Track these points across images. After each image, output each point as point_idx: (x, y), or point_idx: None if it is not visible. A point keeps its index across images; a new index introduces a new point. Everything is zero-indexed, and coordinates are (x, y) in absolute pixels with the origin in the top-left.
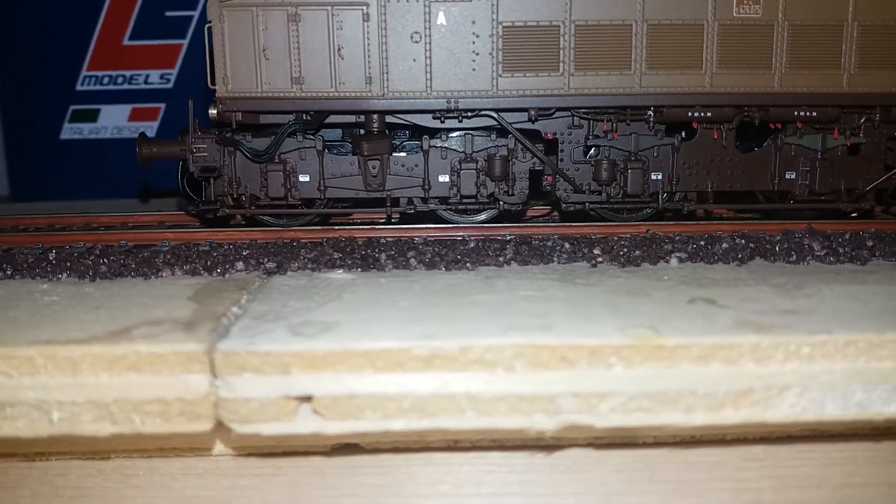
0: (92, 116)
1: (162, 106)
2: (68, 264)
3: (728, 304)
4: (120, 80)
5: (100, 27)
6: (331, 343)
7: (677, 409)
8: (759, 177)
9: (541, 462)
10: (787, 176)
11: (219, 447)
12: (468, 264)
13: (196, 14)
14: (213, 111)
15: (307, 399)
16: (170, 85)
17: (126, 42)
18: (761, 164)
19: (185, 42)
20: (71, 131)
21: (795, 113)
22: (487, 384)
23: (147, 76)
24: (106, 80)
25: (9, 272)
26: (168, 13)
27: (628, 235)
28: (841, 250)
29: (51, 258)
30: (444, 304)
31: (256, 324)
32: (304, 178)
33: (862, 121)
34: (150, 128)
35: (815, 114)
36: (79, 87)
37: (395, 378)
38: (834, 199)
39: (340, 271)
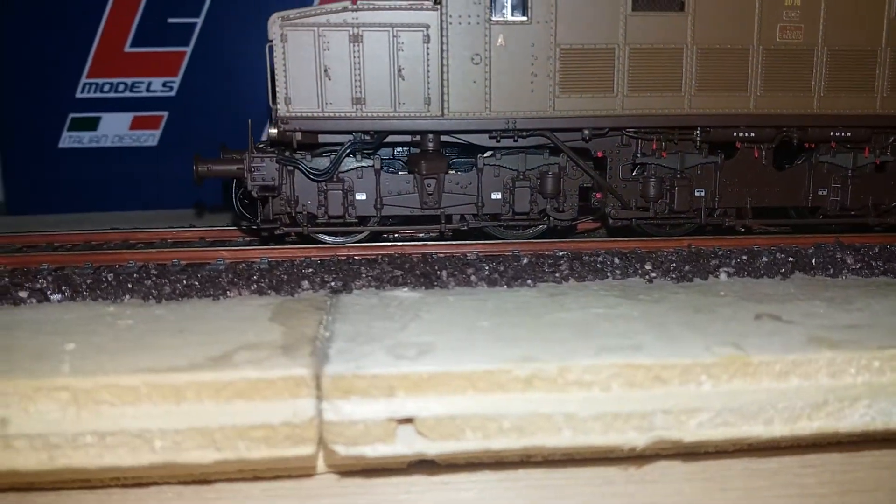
0: (92, 125)
1: (165, 114)
2: (129, 285)
3: (792, 319)
4: (121, 87)
5: (100, 33)
6: (433, 366)
7: (758, 422)
8: (793, 193)
9: (617, 474)
10: (820, 192)
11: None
12: (528, 281)
13: (199, 21)
14: (272, 130)
15: (408, 420)
16: (172, 93)
17: (127, 49)
18: (796, 181)
19: (189, 49)
20: (70, 140)
21: (831, 133)
22: (584, 403)
23: (149, 84)
24: (107, 87)
25: (67, 293)
26: (171, 20)
27: (672, 250)
28: (874, 263)
29: (109, 279)
30: (524, 324)
31: (352, 346)
32: (360, 197)
33: (891, 140)
34: (153, 136)
35: (849, 134)
36: (79, 95)
37: (496, 398)
38: (862, 214)
39: (406, 289)
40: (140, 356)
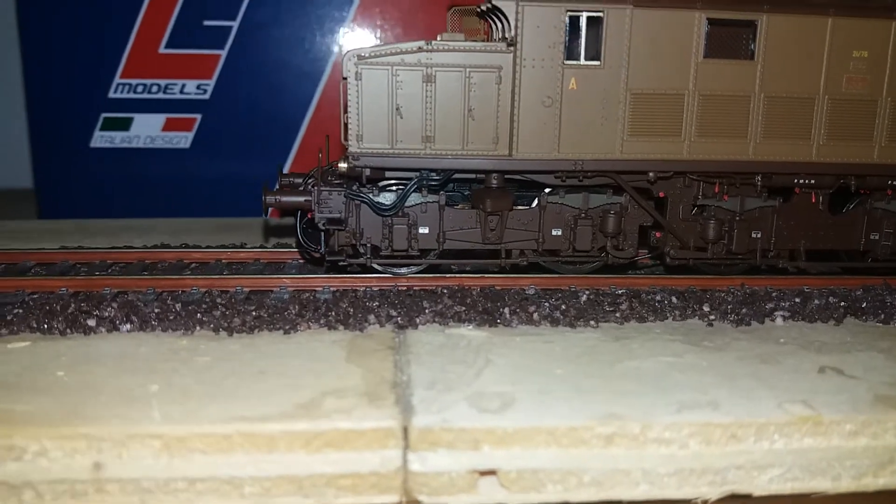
0: (124, 125)
1: (198, 117)
2: (199, 315)
3: (854, 374)
4: (154, 88)
5: (135, 34)
6: (517, 420)
7: (826, 478)
8: (847, 237)
9: None
10: (871, 236)
11: None
12: (591, 322)
13: (235, 25)
14: (343, 165)
15: (491, 472)
16: (206, 96)
17: (162, 50)
18: (851, 225)
19: (224, 53)
20: (102, 139)
21: (890, 182)
22: (662, 459)
23: (183, 86)
24: (140, 88)
25: (136, 323)
26: (206, 22)
27: (726, 289)
28: None
29: (177, 308)
30: (598, 374)
31: (433, 395)
32: (423, 231)
33: None
34: (185, 138)
35: None
36: (111, 95)
37: (577, 453)
38: None
39: (470, 326)
40: (227, 402)
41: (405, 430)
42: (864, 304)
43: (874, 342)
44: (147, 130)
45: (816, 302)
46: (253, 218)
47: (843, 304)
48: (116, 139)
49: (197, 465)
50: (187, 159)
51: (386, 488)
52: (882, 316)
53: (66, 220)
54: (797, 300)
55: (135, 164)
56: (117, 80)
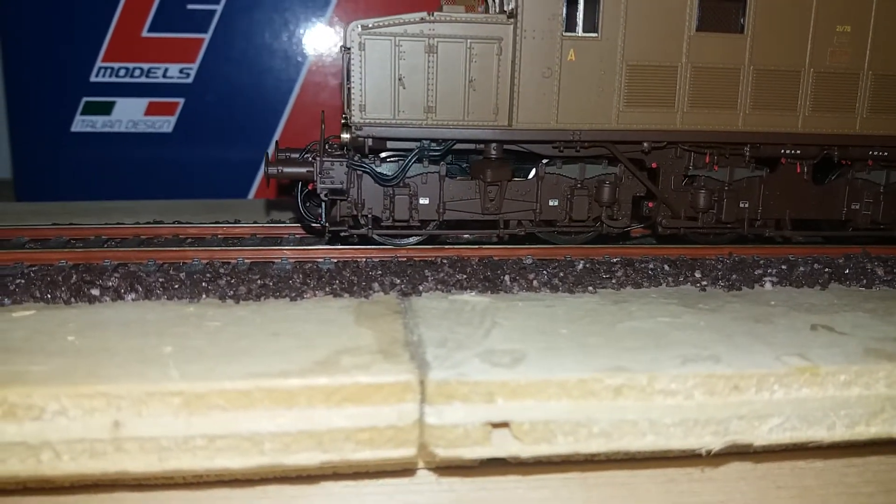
0: (106, 109)
1: (181, 101)
2: (204, 285)
3: (844, 330)
4: (137, 72)
5: (118, 17)
6: (531, 374)
7: (822, 427)
8: (830, 207)
9: (679, 474)
10: (853, 206)
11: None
12: (590, 287)
13: (219, 8)
14: (345, 135)
15: (503, 424)
16: (189, 80)
17: (145, 34)
18: (833, 195)
19: (207, 36)
20: (83, 124)
21: (870, 153)
22: (668, 410)
23: (166, 70)
24: (122, 72)
25: (140, 292)
26: (190, 6)
27: (714, 257)
28: None
29: (181, 277)
30: (601, 333)
31: (445, 352)
32: (424, 201)
33: None
34: (168, 122)
35: (886, 153)
36: (93, 79)
37: (587, 405)
38: (890, 228)
39: (473, 293)
40: (244, 361)
41: (422, 384)
42: (847, 271)
43: (859, 304)
44: (129, 115)
45: (802, 269)
46: (237, 199)
47: (827, 270)
48: (98, 123)
49: (216, 422)
50: (170, 143)
51: (403, 442)
52: (864, 281)
53: (49, 202)
54: (784, 267)
55: (116, 148)
56: (99, 63)
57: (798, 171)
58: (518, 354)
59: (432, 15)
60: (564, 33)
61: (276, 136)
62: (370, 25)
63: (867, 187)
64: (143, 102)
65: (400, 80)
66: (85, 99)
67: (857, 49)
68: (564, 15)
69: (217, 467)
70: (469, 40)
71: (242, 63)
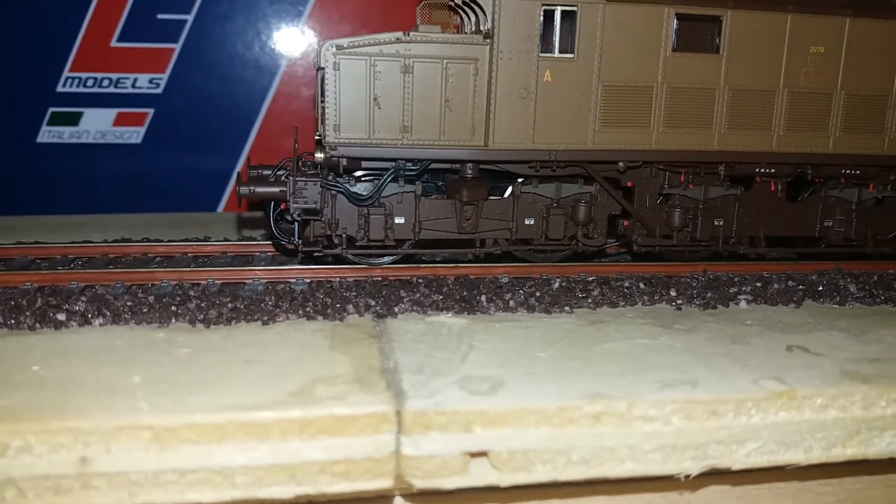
0: (73, 119)
1: (150, 111)
2: (173, 308)
3: (819, 351)
4: (105, 82)
5: (86, 26)
6: (509, 402)
7: (798, 451)
8: (803, 224)
9: (658, 498)
10: (826, 223)
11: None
12: (566, 307)
13: (190, 18)
14: (319, 155)
15: (482, 454)
16: (159, 90)
17: (114, 43)
18: (807, 213)
19: (178, 47)
20: (49, 134)
21: (843, 171)
22: (646, 436)
23: (135, 80)
24: (90, 82)
25: (108, 316)
26: (160, 15)
27: (689, 274)
28: (875, 292)
29: (150, 301)
30: (579, 356)
31: (422, 379)
32: (399, 221)
33: (892, 177)
34: (137, 133)
35: (858, 171)
36: (60, 89)
37: (566, 432)
38: (862, 244)
39: (449, 314)
40: (216, 391)
41: (398, 414)
42: (821, 288)
43: (833, 322)
44: (97, 125)
45: (776, 286)
46: (208, 213)
47: (801, 287)
48: (65, 134)
49: (188, 456)
50: (139, 154)
51: (379, 473)
52: (837, 298)
53: (13, 216)
54: (758, 284)
55: (84, 160)
56: (66, 73)
57: (772, 189)
58: (496, 381)
59: (408, 35)
60: (541, 54)
61: (248, 147)
62: (345, 45)
63: (840, 205)
64: (111, 113)
65: (375, 99)
66: (51, 109)
67: (830, 69)
68: (540, 36)
69: (188, 502)
70: (445, 60)
71: (214, 73)
